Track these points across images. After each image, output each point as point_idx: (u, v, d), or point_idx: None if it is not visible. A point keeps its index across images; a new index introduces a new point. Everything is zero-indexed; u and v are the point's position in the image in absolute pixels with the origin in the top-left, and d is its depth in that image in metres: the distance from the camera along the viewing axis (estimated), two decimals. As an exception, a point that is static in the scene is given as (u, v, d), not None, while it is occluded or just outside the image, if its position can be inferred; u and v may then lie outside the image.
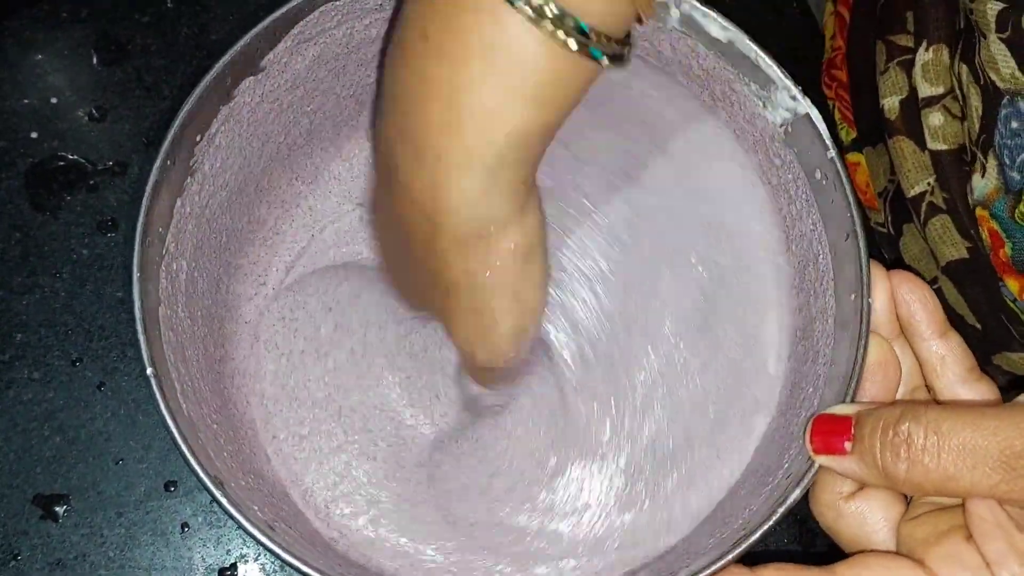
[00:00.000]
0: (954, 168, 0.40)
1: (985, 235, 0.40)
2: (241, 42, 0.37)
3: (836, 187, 0.37)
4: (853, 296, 0.35)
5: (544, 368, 0.41)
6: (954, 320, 0.43)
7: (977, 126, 0.38)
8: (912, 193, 0.42)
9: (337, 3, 0.40)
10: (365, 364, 0.41)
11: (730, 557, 0.32)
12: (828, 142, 0.37)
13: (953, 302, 0.42)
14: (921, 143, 0.41)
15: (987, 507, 0.28)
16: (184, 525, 0.42)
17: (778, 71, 0.39)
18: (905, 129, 0.42)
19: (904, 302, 0.34)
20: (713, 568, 0.32)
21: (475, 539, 0.39)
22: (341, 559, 0.38)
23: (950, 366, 0.34)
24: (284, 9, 0.38)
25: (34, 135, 0.47)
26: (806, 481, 0.33)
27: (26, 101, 0.48)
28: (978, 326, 0.41)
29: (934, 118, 0.40)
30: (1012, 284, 0.39)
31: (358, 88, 0.45)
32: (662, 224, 0.42)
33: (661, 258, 0.42)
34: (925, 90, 0.41)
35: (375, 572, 0.38)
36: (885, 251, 0.48)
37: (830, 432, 0.31)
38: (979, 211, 0.39)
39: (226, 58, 0.37)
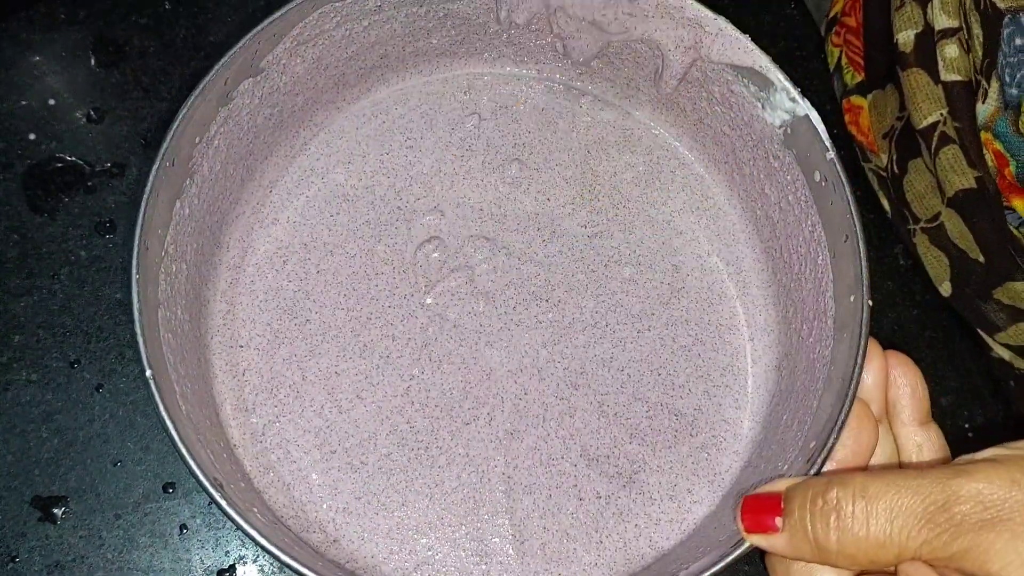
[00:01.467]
0: (965, 99, 0.41)
1: (991, 159, 0.40)
2: (239, 44, 0.37)
3: (836, 188, 0.37)
4: (852, 297, 0.36)
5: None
6: (957, 258, 0.43)
7: (980, 53, 0.40)
8: (924, 124, 0.42)
9: (337, 4, 0.40)
10: (365, 364, 0.41)
11: (730, 558, 0.32)
12: (827, 143, 0.37)
13: (957, 237, 0.43)
14: (935, 75, 0.42)
15: (917, 571, 0.28)
16: (182, 527, 0.42)
17: (777, 72, 0.39)
18: (919, 62, 0.43)
19: (895, 384, 0.34)
20: (713, 568, 0.32)
21: (478, 539, 0.39)
22: (340, 560, 0.38)
23: (926, 455, 0.34)
24: (283, 11, 0.38)
25: (32, 136, 0.47)
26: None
27: (24, 103, 0.48)
28: (981, 259, 0.42)
29: (949, 50, 0.42)
30: (1018, 204, 0.40)
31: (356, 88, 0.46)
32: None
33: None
34: (942, 22, 0.42)
35: (372, 573, 0.38)
36: (883, 197, 0.49)
37: (760, 510, 0.30)
38: (983, 135, 0.40)
39: (225, 60, 0.37)
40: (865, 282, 0.35)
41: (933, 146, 0.42)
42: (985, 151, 0.41)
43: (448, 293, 0.42)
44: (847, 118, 0.49)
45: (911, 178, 0.45)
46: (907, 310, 0.49)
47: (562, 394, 0.41)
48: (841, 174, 0.36)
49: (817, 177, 0.38)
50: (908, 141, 0.44)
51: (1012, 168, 0.40)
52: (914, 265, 0.49)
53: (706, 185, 0.45)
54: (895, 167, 0.46)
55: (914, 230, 0.46)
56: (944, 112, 0.42)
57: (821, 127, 0.37)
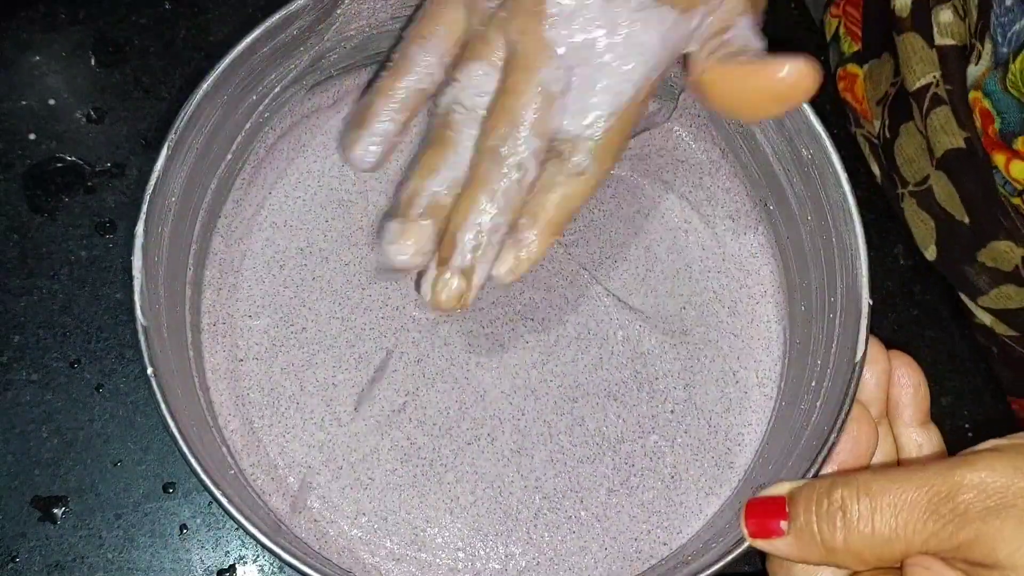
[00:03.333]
0: (958, 62, 0.42)
1: (978, 119, 0.41)
2: (240, 44, 0.37)
3: (829, 166, 0.37)
4: (853, 298, 0.36)
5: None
6: (943, 221, 0.44)
7: (975, 15, 0.40)
8: (917, 86, 0.43)
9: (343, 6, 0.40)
10: (361, 377, 0.41)
11: (729, 558, 0.32)
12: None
13: (944, 200, 0.43)
14: (929, 40, 0.43)
15: (924, 565, 0.28)
16: (183, 527, 0.42)
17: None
18: (915, 26, 0.44)
19: (898, 383, 0.34)
20: (713, 567, 0.32)
21: (479, 530, 0.39)
22: (338, 559, 0.38)
23: (925, 454, 0.34)
24: (283, 11, 0.38)
25: (32, 136, 0.47)
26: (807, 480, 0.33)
27: (24, 102, 0.48)
28: (966, 220, 0.42)
29: (944, 15, 0.42)
30: (999, 159, 0.41)
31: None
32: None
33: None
34: None
35: (372, 573, 0.38)
36: (873, 163, 0.49)
37: (764, 514, 0.30)
38: (973, 94, 0.41)
39: (225, 60, 0.37)
40: (865, 283, 0.35)
41: (925, 107, 0.43)
42: (973, 111, 0.41)
43: None
44: (841, 85, 0.50)
45: (902, 142, 0.46)
46: (907, 310, 0.49)
47: (562, 410, 0.41)
48: (833, 154, 0.36)
49: (804, 153, 0.38)
50: (901, 106, 0.45)
51: (996, 125, 0.40)
52: (914, 265, 0.49)
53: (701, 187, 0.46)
54: (887, 132, 0.47)
55: (903, 194, 0.46)
56: (937, 74, 0.43)
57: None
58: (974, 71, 0.41)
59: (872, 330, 0.34)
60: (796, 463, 0.35)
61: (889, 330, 0.48)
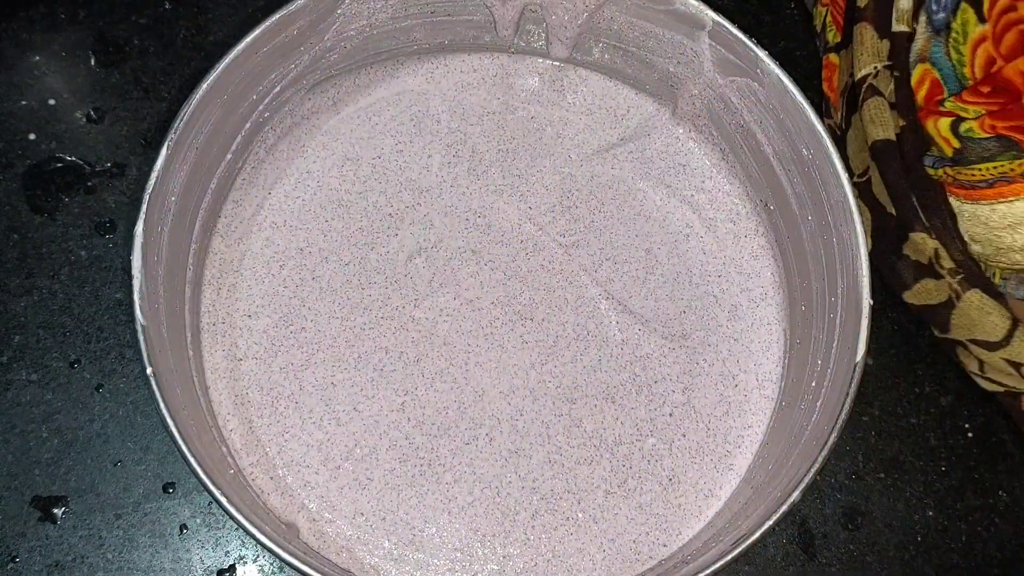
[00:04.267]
0: (905, 47, 0.43)
1: (924, 93, 0.42)
2: (240, 44, 0.37)
3: (830, 163, 0.37)
4: (853, 299, 0.36)
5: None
6: (876, 212, 0.44)
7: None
8: (858, 76, 0.44)
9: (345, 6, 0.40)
10: (360, 377, 0.41)
11: (729, 557, 0.32)
12: (837, 162, 0.37)
13: (878, 191, 0.43)
14: (884, 29, 0.44)
15: None
16: (183, 527, 0.42)
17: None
18: (871, 16, 0.44)
19: None
20: (713, 567, 0.32)
21: (477, 531, 0.39)
22: (337, 559, 0.38)
23: None
24: (283, 11, 0.38)
25: (32, 136, 0.47)
26: (806, 482, 0.33)
27: (24, 103, 0.48)
28: (893, 211, 0.42)
29: (903, 1, 0.43)
30: (930, 126, 0.41)
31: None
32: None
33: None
34: None
35: (370, 572, 0.38)
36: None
37: None
38: (921, 67, 0.42)
39: (225, 60, 0.37)
40: (866, 283, 0.35)
41: (861, 98, 0.43)
42: (923, 86, 0.42)
43: (436, 309, 0.42)
44: (824, 74, 0.50)
45: (851, 134, 0.46)
46: (907, 310, 0.49)
47: (560, 411, 0.41)
48: (839, 166, 0.36)
49: (804, 153, 0.38)
50: (851, 98, 0.45)
51: (946, 93, 0.41)
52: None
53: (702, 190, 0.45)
54: (843, 124, 0.47)
55: (855, 185, 0.47)
56: (879, 65, 0.43)
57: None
58: (914, 48, 0.42)
59: (873, 330, 0.34)
60: (796, 463, 0.35)
61: (889, 330, 0.48)
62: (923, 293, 0.43)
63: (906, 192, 0.41)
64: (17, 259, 0.45)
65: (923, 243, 0.41)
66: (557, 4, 0.43)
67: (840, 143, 0.48)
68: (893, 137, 0.42)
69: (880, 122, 0.42)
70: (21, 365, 0.44)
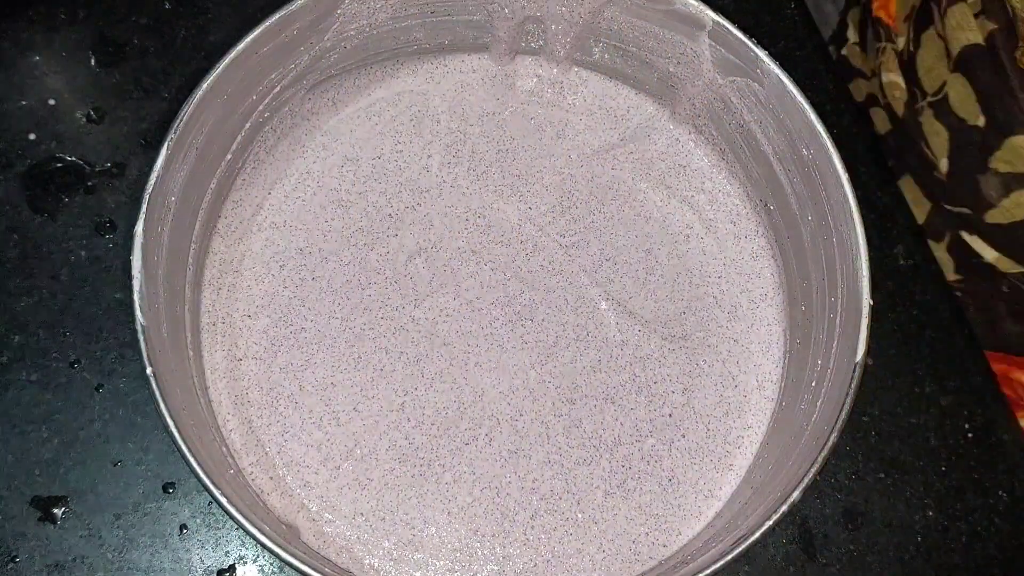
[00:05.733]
0: None
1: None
2: (240, 44, 0.37)
3: (831, 166, 0.37)
4: (854, 299, 0.36)
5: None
6: (956, 129, 0.42)
7: None
8: None
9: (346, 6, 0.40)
10: (360, 377, 0.41)
11: (729, 557, 0.32)
12: (837, 160, 0.37)
13: (959, 105, 0.43)
14: None
15: None
16: (182, 527, 0.42)
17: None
18: None
19: None
20: (713, 567, 0.32)
21: (476, 531, 0.39)
22: (337, 559, 0.38)
23: None
24: (283, 11, 0.38)
25: (32, 137, 0.47)
26: (806, 482, 0.33)
27: (24, 103, 0.48)
28: (980, 122, 0.41)
29: None
30: None
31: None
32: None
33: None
34: None
35: (370, 573, 0.38)
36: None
37: None
38: None
39: (225, 60, 0.37)
40: (866, 283, 0.35)
41: (943, 6, 0.42)
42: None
43: (437, 309, 0.42)
44: (876, 4, 0.50)
45: (922, 52, 0.45)
46: (907, 310, 0.49)
47: (560, 411, 0.41)
48: (842, 173, 0.36)
49: (804, 153, 0.38)
50: (923, 15, 0.45)
51: None
52: (914, 265, 0.49)
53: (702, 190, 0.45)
54: (911, 46, 0.46)
55: (922, 107, 0.46)
56: None
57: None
58: None
59: (873, 330, 0.34)
60: (796, 463, 0.35)
61: (889, 330, 0.48)
62: (1014, 208, 0.41)
63: (1008, 91, 0.40)
64: (17, 259, 0.45)
65: None
66: (557, 15, 0.43)
67: (909, 67, 0.47)
68: (982, 41, 0.41)
69: (967, 27, 0.41)
70: (21, 365, 0.44)
